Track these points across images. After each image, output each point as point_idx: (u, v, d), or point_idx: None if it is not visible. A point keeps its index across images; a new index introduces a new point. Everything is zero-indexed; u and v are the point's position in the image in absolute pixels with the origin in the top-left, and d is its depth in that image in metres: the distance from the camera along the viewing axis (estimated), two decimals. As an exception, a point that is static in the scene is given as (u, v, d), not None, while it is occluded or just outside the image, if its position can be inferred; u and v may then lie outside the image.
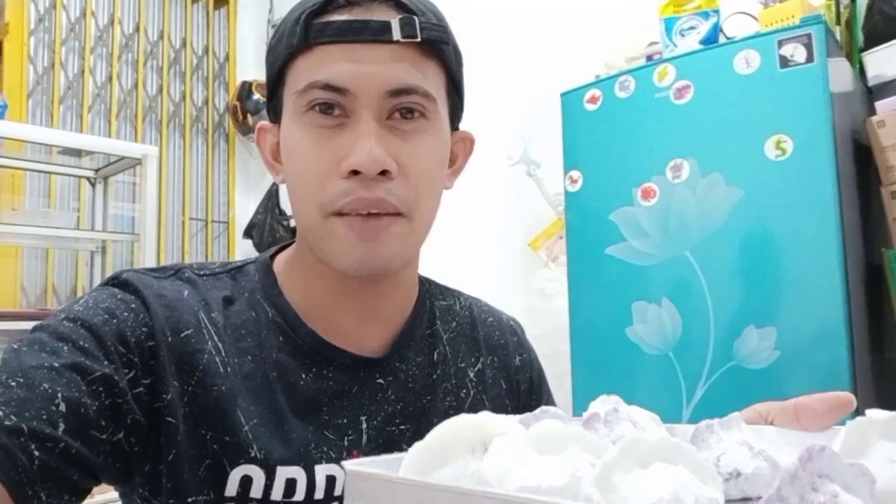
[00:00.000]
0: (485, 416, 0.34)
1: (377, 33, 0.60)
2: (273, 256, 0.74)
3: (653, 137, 1.52)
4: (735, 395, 1.36)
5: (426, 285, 0.80)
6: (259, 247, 2.89)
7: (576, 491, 0.25)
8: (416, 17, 0.61)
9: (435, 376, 0.73)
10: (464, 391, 0.74)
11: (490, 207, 2.39)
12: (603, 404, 0.44)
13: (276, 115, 0.68)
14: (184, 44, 3.07)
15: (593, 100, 1.63)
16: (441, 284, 0.83)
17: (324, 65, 0.60)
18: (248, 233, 2.97)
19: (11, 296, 2.41)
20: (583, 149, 1.66)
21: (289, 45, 0.62)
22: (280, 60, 0.63)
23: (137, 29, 2.92)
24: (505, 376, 0.78)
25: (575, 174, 1.66)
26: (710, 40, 1.55)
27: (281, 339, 0.67)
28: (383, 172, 0.60)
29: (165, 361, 0.60)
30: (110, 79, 2.83)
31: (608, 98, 1.61)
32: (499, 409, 0.76)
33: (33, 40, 2.64)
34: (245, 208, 3.17)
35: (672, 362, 1.46)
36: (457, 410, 0.73)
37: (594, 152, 1.63)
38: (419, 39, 0.61)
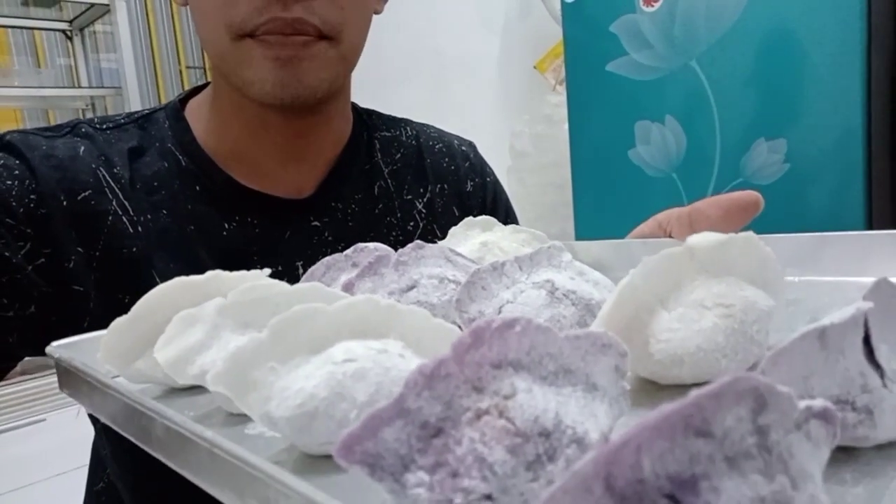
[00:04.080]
0: (214, 274, 0.29)
1: None
2: (185, 101, 0.67)
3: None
4: (740, 213, 1.29)
5: (365, 117, 0.73)
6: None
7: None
8: None
9: (377, 211, 0.68)
10: (411, 223, 0.70)
11: (491, 28, 2.21)
12: (465, 230, 0.39)
13: None
14: None
15: None
16: (386, 115, 0.76)
17: None
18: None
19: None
20: (579, -51, 1.46)
21: None
22: None
23: None
24: (458, 203, 0.74)
25: (571, -19, 1.49)
26: None
27: (197, 188, 0.62)
28: None
29: (61, 227, 0.56)
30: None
31: None
32: None
33: None
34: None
35: (675, 183, 1.38)
36: (404, 244, 0.70)
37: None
38: None
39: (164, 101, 2.93)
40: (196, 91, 0.68)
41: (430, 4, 1.99)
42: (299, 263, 0.64)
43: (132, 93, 1.88)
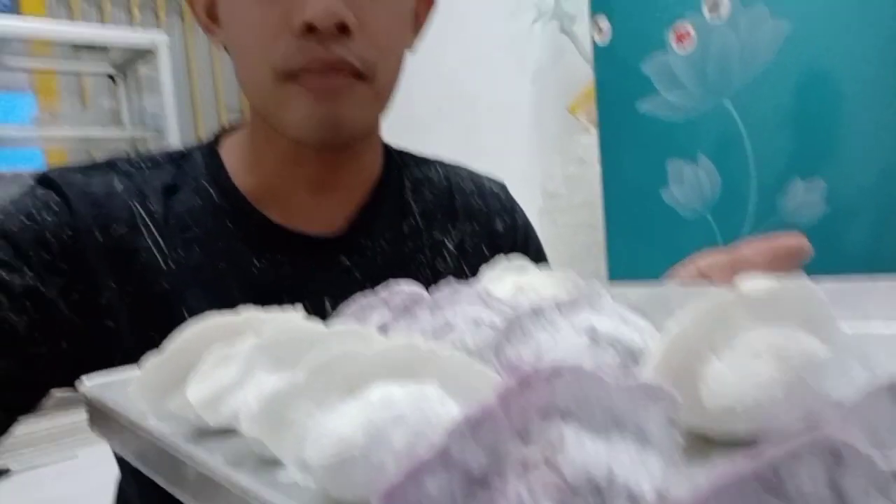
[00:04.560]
0: (250, 313, 0.28)
1: None
2: (219, 138, 0.68)
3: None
4: (778, 254, 1.26)
5: (397, 156, 0.74)
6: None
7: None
8: None
9: (406, 250, 0.68)
10: (441, 263, 0.70)
11: (524, 70, 2.23)
12: (500, 273, 0.38)
13: None
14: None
15: (620, -67, 1.43)
16: (417, 155, 0.77)
17: None
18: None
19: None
20: (610, -9, 1.48)
21: None
22: None
23: None
24: (488, 243, 0.73)
25: (602, 22, 1.50)
26: None
27: (230, 225, 0.63)
28: (342, 29, 0.52)
29: (96, 262, 0.57)
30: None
31: (637, -71, 1.41)
32: None
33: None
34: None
35: (710, 224, 1.36)
36: (434, 284, 0.69)
37: (623, -6, 1.45)
38: None
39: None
40: (230, 129, 0.69)
41: (464, 47, 2.02)
42: (328, 301, 0.64)
43: (172, 134, 1.93)
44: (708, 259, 0.41)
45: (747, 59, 1.27)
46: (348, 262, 0.65)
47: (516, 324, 0.26)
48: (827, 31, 1.17)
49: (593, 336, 0.24)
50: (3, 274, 0.52)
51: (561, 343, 0.24)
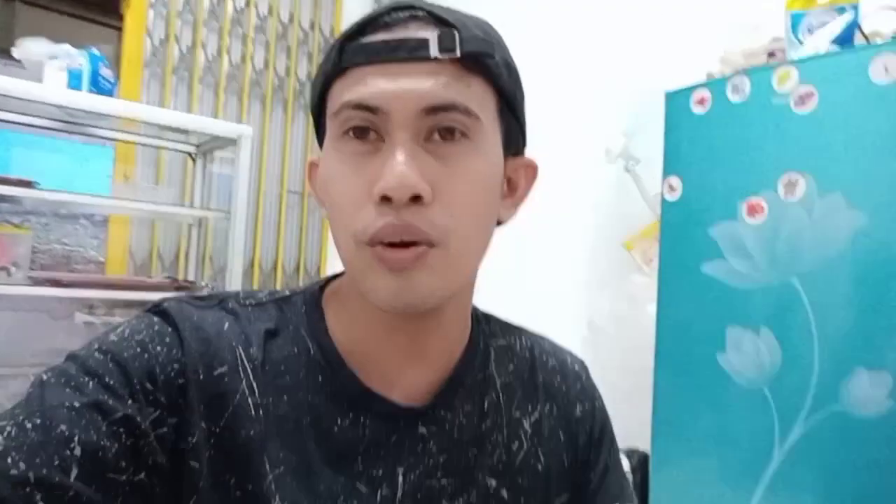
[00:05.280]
0: None
1: (413, 50, 0.55)
2: (324, 287, 0.70)
3: (765, 147, 1.36)
4: (835, 443, 1.22)
5: (483, 323, 0.74)
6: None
7: None
8: (455, 31, 0.55)
9: (484, 427, 0.67)
10: (516, 443, 0.68)
11: (585, 205, 2.27)
12: None
13: (321, 146, 0.64)
14: (291, 19, 3.11)
15: (702, 102, 1.49)
16: (502, 321, 0.77)
17: (356, 84, 0.56)
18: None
19: (120, 259, 2.56)
20: (685, 154, 1.52)
21: (325, 71, 0.58)
22: (318, 88, 0.60)
23: (247, 4, 2.98)
24: (564, 426, 0.72)
25: (674, 181, 1.53)
26: (845, 40, 1.36)
27: (320, 379, 0.63)
28: (416, 198, 0.54)
29: (194, 401, 0.58)
30: (220, 53, 2.91)
31: (718, 100, 1.46)
32: (554, 462, 0.70)
33: (151, 13, 2.75)
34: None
35: (766, 397, 1.33)
36: (506, 465, 0.67)
37: (698, 159, 1.49)
38: (459, 54, 0.55)
39: (262, 223, 3.09)
40: (334, 277, 0.71)
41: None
42: (400, 469, 0.63)
43: (239, 215, 2.00)
44: None
45: (819, 240, 1.28)
46: (426, 433, 0.64)
47: None
48: (903, 227, 1.18)
49: None
50: (108, 399, 0.53)
51: None
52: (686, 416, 1.47)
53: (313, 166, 0.67)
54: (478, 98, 0.58)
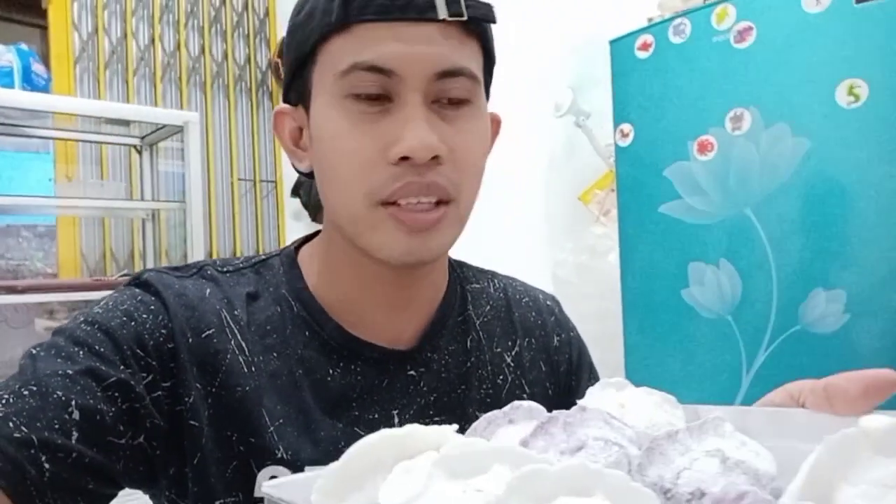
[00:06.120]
0: (412, 428, 0.32)
1: (422, 11, 0.56)
2: (298, 248, 0.71)
3: (710, 86, 1.41)
4: (799, 361, 1.28)
5: (458, 269, 0.77)
6: (307, 206, 2.88)
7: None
8: None
9: (469, 364, 0.70)
10: (501, 377, 0.71)
11: (537, 161, 2.30)
12: (601, 390, 0.41)
13: (299, 98, 0.64)
14: (223, 1, 3.04)
15: (645, 46, 1.52)
16: (473, 266, 0.80)
17: (368, 44, 0.56)
18: (295, 191, 2.97)
19: (72, 263, 2.49)
20: (634, 100, 1.55)
21: (324, 24, 0.57)
22: (312, 39, 0.59)
23: (176, -12, 2.90)
24: (545, 358, 0.75)
25: (626, 127, 1.57)
26: (776, -26, 1.40)
27: (307, 334, 0.65)
28: (434, 158, 0.57)
29: (186, 363, 0.59)
30: (153, 41, 2.82)
31: (661, 44, 1.49)
32: (539, 392, 0.73)
33: (76, 6, 2.65)
34: (291, 166, 3.17)
35: (731, 326, 1.39)
36: (493, 398, 0.70)
37: (646, 103, 1.53)
38: (465, 18, 0.57)
39: (216, 214, 3.03)
40: (308, 238, 0.72)
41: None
42: (394, 412, 0.66)
43: (195, 206, 1.96)
44: (800, 385, 0.43)
45: (768, 171, 1.33)
46: (415, 375, 0.67)
47: (656, 446, 0.29)
48: (845, 149, 1.24)
49: (723, 459, 0.27)
50: (101, 366, 0.54)
51: (695, 465, 0.27)
52: (657, 354, 1.53)
53: (281, 115, 0.67)
54: (476, 60, 0.61)
